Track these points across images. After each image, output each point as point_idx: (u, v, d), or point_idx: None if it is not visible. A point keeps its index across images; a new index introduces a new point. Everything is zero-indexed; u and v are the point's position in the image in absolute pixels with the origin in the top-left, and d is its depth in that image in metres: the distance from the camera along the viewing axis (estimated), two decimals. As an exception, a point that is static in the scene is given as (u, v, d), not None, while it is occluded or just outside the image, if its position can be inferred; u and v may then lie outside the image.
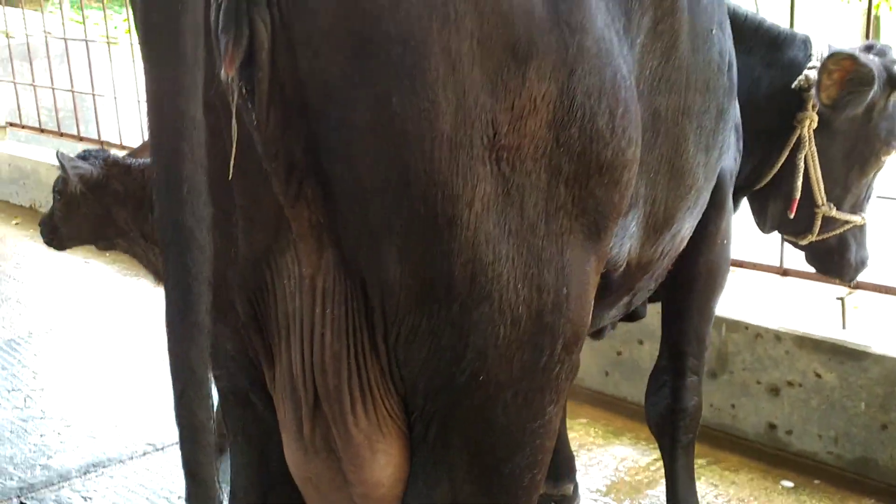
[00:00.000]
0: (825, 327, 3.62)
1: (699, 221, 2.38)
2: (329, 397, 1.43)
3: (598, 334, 2.95)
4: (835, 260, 3.27)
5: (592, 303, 1.56)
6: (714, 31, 2.03)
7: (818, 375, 3.57)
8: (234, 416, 1.66)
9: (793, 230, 3.23)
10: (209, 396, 1.19)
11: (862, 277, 3.46)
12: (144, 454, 3.62)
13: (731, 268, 4.07)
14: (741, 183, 3.02)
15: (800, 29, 3.36)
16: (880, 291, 3.59)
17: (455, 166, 1.30)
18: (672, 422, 2.80)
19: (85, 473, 3.46)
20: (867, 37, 3.60)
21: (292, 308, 1.43)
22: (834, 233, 3.17)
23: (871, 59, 2.80)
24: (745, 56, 2.92)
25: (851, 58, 2.70)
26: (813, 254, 3.34)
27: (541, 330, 1.44)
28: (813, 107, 2.87)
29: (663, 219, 2.00)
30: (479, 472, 1.46)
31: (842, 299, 3.56)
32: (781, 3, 4.11)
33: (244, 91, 1.23)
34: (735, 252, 4.20)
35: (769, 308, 3.88)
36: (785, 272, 3.90)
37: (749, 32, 3.02)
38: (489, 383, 1.41)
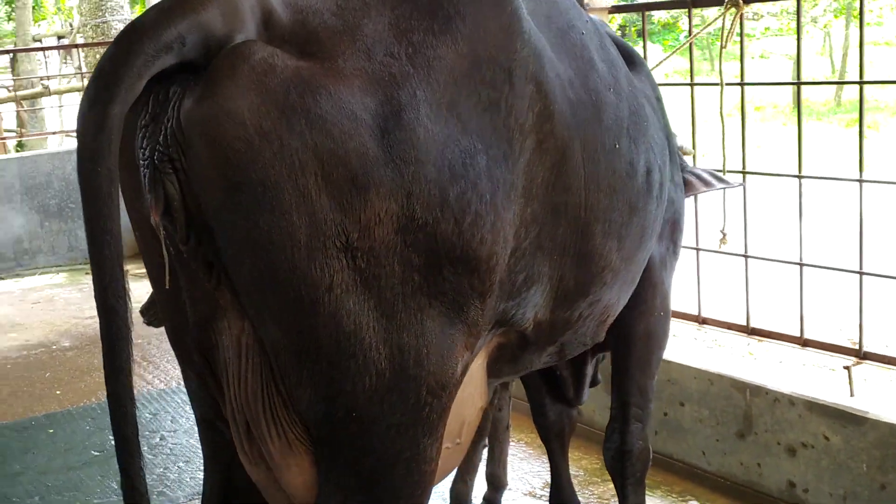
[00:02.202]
0: (832, 393, 3.95)
1: (635, 294, 2.90)
2: (253, 423, 2.00)
3: (578, 398, 3.48)
4: None
5: (461, 358, 2.05)
6: (618, 146, 2.45)
7: (826, 438, 3.88)
8: (204, 438, 2.28)
9: None
10: (134, 419, 1.83)
11: (870, 348, 3.80)
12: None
13: (758, 337, 4.49)
14: None
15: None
16: (886, 363, 3.90)
17: (313, 264, 1.79)
18: (621, 462, 3.26)
19: (190, 500, 4.22)
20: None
21: (228, 357, 1.96)
22: None
23: None
24: None
25: None
26: None
27: (405, 379, 1.94)
28: None
29: (574, 291, 2.44)
30: (364, 486, 1.98)
31: (848, 368, 3.89)
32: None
33: (167, 226, 1.83)
34: (760, 322, 4.60)
35: (788, 374, 4.23)
36: (805, 343, 4.24)
37: None
38: (362, 418, 1.93)
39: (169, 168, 1.77)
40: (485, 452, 4.08)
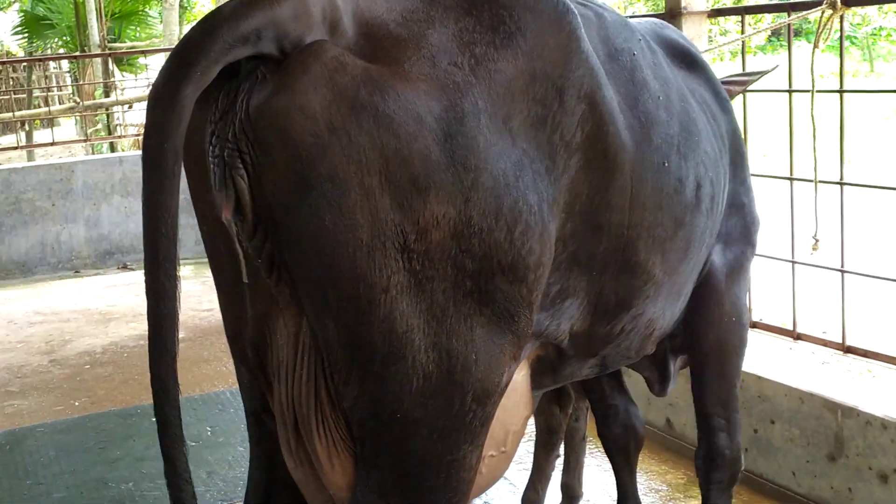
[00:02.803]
0: (928, 418, 3.76)
1: (699, 304, 2.93)
2: (302, 421, 2.05)
3: (663, 391, 3.45)
4: None
5: (507, 367, 2.07)
6: (667, 164, 2.47)
7: (920, 464, 3.72)
8: (252, 431, 2.34)
9: None
10: (177, 402, 1.87)
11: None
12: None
13: (853, 356, 4.33)
14: None
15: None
16: None
17: (373, 263, 1.84)
18: (707, 467, 3.25)
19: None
20: None
21: (283, 355, 2.02)
22: None
23: None
24: None
25: None
26: None
27: (452, 384, 1.97)
28: None
29: (616, 305, 2.46)
30: (402, 487, 2.01)
31: (948, 393, 3.70)
32: None
33: (237, 224, 1.88)
34: (856, 340, 4.43)
35: (883, 396, 4.05)
36: (902, 363, 4.05)
37: None
38: (406, 420, 1.97)
39: (239, 163, 1.82)
40: (559, 462, 4.05)
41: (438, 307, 1.93)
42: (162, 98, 1.77)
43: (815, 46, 4.09)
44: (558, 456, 4.04)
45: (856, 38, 22.64)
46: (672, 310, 2.81)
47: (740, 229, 3.09)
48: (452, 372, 1.96)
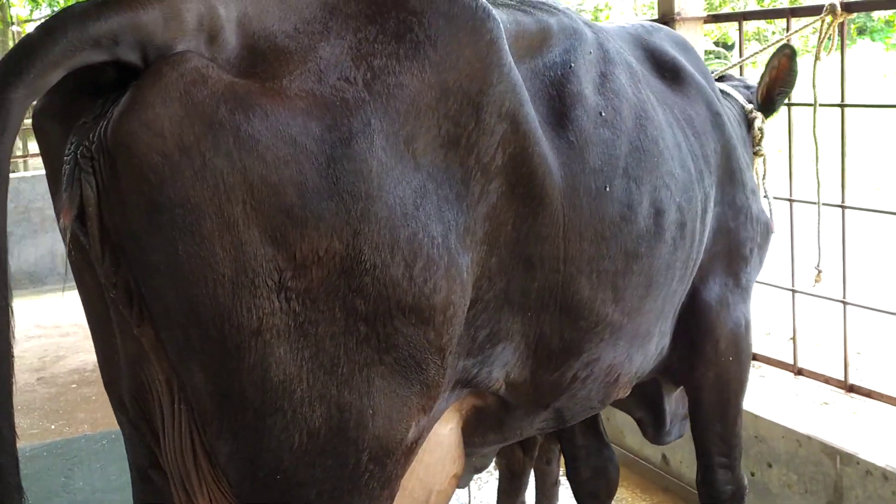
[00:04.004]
0: (933, 472, 3.38)
1: (690, 343, 2.73)
2: (184, 476, 1.80)
3: (658, 438, 3.26)
4: None
5: (414, 422, 1.81)
6: (610, 188, 2.18)
7: (923, 523, 3.34)
8: (136, 488, 2.06)
9: None
10: (13, 448, 1.63)
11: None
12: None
13: (856, 395, 3.96)
14: None
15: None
16: None
17: (239, 302, 1.60)
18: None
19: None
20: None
21: (162, 403, 1.79)
22: None
23: None
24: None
25: (790, 55, 3.17)
26: None
27: (343, 442, 1.71)
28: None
29: (560, 349, 2.19)
30: None
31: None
32: None
33: (81, 237, 1.62)
34: (860, 377, 4.06)
35: (886, 442, 3.67)
36: (909, 408, 3.67)
37: None
38: (289, 481, 1.70)
39: (89, 167, 1.59)
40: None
41: (326, 355, 1.68)
42: None
43: (817, 57, 3.73)
44: (523, 503, 3.73)
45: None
46: (643, 352, 2.53)
47: (725, 258, 2.81)
48: (344, 428, 1.71)
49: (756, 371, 4.47)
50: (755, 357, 4.47)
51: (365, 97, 1.70)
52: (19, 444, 5.12)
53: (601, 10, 19.28)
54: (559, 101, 2.16)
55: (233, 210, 1.58)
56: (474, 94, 1.86)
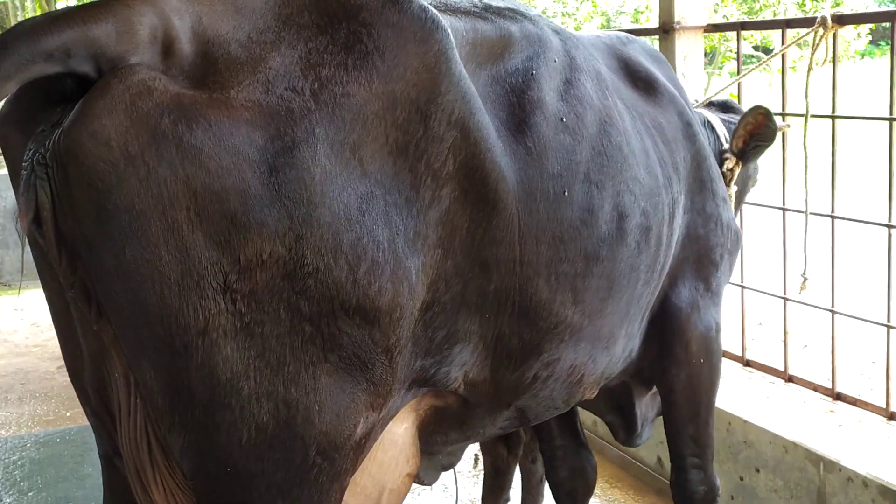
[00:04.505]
0: (910, 480, 3.42)
1: (661, 345, 2.79)
2: (139, 467, 1.88)
3: (629, 440, 3.30)
4: None
5: (362, 418, 1.89)
6: (568, 193, 2.22)
7: (900, 530, 3.37)
8: (104, 475, 2.16)
9: None
10: None
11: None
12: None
13: (843, 403, 3.99)
14: None
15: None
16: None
17: (185, 303, 1.68)
18: None
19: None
20: None
21: (120, 396, 1.87)
22: None
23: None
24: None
25: (766, 114, 3.13)
26: None
27: (291, 437, 1.79)
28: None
29: (520, 349, 2.24)
30: None
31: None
32: None
33: (39, 239, 1.72)
34: (847, 385, 4.08)
35: (868, 450, 3.71)
36: (891, 416, 3.70)
37: None
38: (240, 474, 1.79)
39: (44, 174, 1.68)
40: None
41: (272, 353, 1.76)
42: None
43: (809, 69, 3.77)
44: (508, 500, 3.81)
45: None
46: (608, 354, 2.57)
47: (695, 263, 2.86)
48: (291, 424, 1.79)
49: (749, 376, 4.52)
50: (748, 363, 4.52)
51: (311, 107, 1.77)
52: (35, 430, 5.34)
53: (641, 13, 19.09)
54: (519, 108, 2.20)
55: (177, 216, 1.67)
56: (422, 104, 1.91)
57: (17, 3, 15.84)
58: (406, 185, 1.89)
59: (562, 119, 2.27)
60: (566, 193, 2.23)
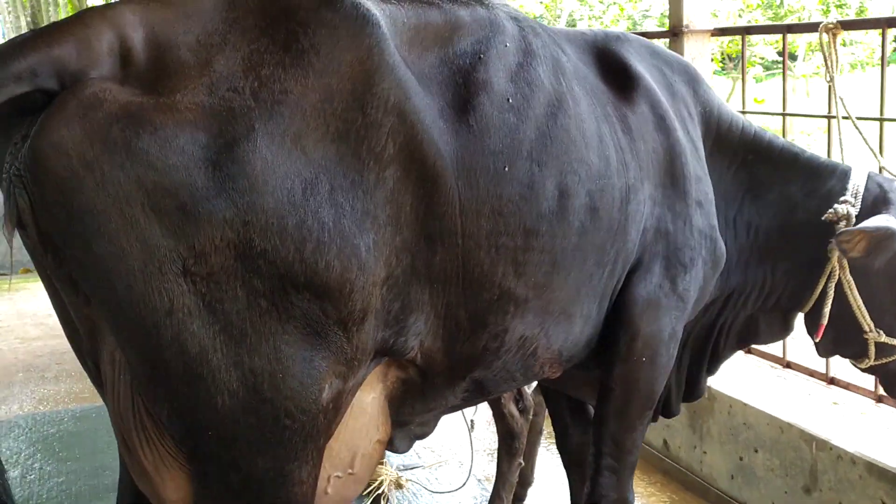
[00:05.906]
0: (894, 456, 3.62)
1: (608, 335, 2.74)
2: (127, 437, 2.10)
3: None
4: None
5: (326, 384, 2.06)
6: (509, 169, 2.32)
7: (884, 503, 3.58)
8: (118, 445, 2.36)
9: (849, 354, 3.29)
10: None
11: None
12: None
13: (830, 385, 4.19)
14: (787, 304, 3.24)
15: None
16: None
17: (150, 288, 1.89)
18: None
19: None
20: None
21: (107, 371, 2.07)
22: (892, 358, 3.19)
23: (885, 220, 2.90)
24: (782, 185, 3.17)
25: (863, 233, 2.86)
26: (882, 377, 3.39)
27: (260, 401, 1.99)
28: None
29: (467, 320, 2.36)
30: (236, 501, 2.05)
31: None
32: None
33: (26, 239, 1.94)
34: (839, 373, 4.28)
35: (859, 430, 3.91)
36: (879, 398, 3.90)
37: (784, 164, 3.20)
38: (221, 437, 1.99)
39: (20, 183, 1.88)
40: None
41: (234, 327, 1.95)
42: None
43: (828, 72, 3.85)
44: (521, 464, 4.03)
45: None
46: (564, 331, 2.62)
47: (664, 260, 2.81)
48: (259, 389, 1.99)
49: (750, 361, 4.72)
50: (749, 350, 4.71)
51: (251, 105, 1.94)
52: (72, 406, 5.62)
53: (666, 17, 19.01)
54: (464, 88, 2.31)
55: (133, 212, 1.86)
56: (358, 94, 2.06)
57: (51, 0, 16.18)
58: (351, 168, 2.05)
59: (508, 99, 2.37)
60: (507, 169, 2.33)
